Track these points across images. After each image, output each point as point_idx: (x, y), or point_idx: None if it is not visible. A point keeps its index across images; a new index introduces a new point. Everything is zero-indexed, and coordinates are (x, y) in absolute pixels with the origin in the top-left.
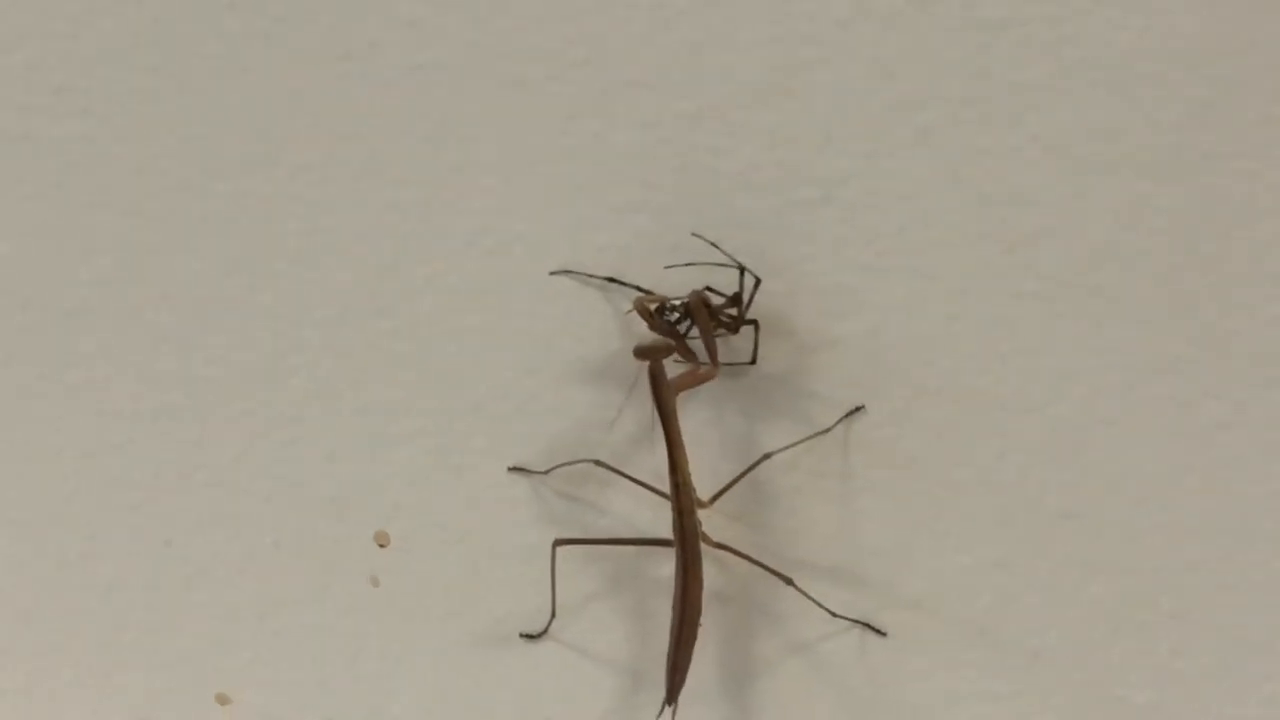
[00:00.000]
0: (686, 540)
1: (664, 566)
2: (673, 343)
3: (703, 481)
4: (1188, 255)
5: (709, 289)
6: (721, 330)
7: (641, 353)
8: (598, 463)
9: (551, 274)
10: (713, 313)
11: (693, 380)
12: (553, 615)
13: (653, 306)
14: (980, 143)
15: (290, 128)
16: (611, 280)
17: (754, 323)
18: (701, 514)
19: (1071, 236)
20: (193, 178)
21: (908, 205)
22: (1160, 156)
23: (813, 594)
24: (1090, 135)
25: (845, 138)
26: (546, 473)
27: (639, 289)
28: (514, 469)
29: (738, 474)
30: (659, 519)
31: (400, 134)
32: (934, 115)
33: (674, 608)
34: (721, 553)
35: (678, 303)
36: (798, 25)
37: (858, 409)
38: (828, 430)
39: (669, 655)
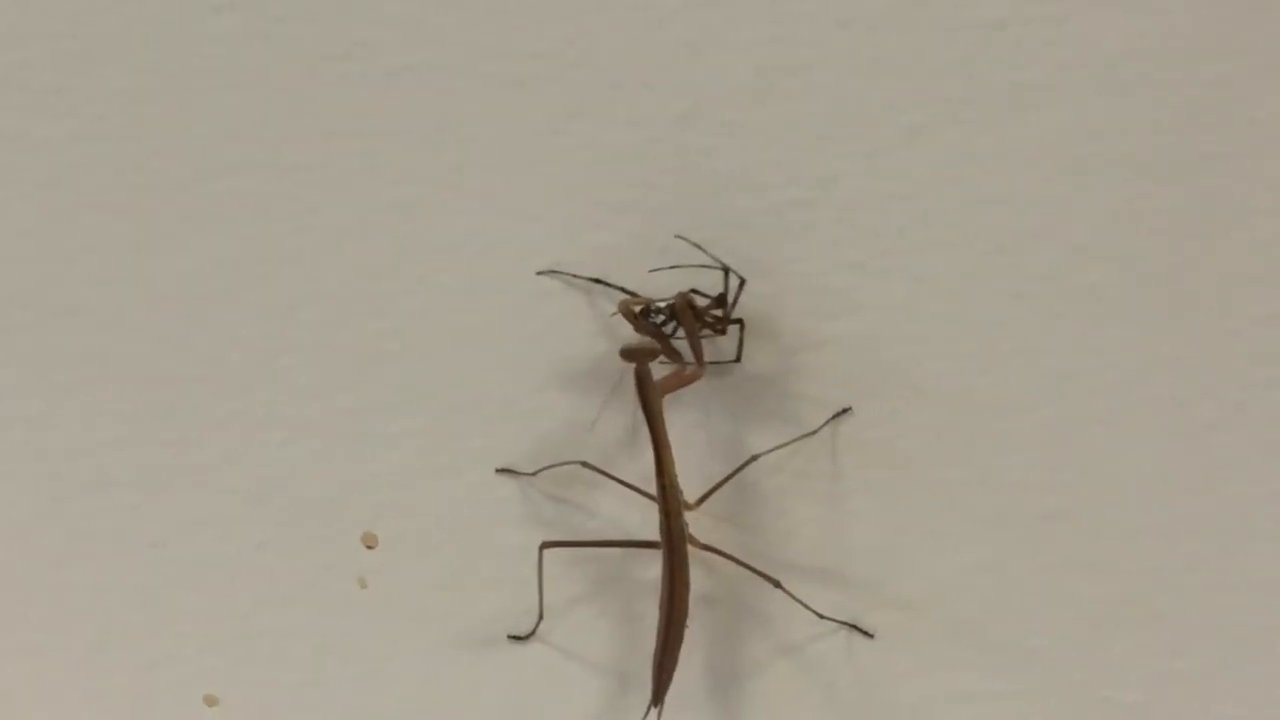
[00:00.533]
0: (673, 542)
1: (651, 568)
2: (658, 344)
3: (689, 483)
4: (1186, 255)
5: (695, 291)
6: (707, 331)
7: (627, 354)
8: (585, 464)
9: (538, 274)
10: (698, 314)
11: (679, 382)
12: (540, 617)
13: (637, 309)
14: (977, 142)
15: (284, 127)
16: (597, 281)
17: (739, 321)
18: (688, 516)
19: (1068, 237)
20: (187, 177)
21: (904, 205)
22: (1159, 156)
23: (800, 595)
24: (1089, 135)
25: (841, 138)
26: (534, 474)
27: (624, 290)
28: (502, 470)
29: (725, 476)
30: (646, 521)
31: (393, 134)
32: (931, 115)
33: (660, 610)
34: (708, 554)
35: (663, 304)
36: (793, 25)
37: (845, 410)
38: (815, 432)
39: (655, 657)
